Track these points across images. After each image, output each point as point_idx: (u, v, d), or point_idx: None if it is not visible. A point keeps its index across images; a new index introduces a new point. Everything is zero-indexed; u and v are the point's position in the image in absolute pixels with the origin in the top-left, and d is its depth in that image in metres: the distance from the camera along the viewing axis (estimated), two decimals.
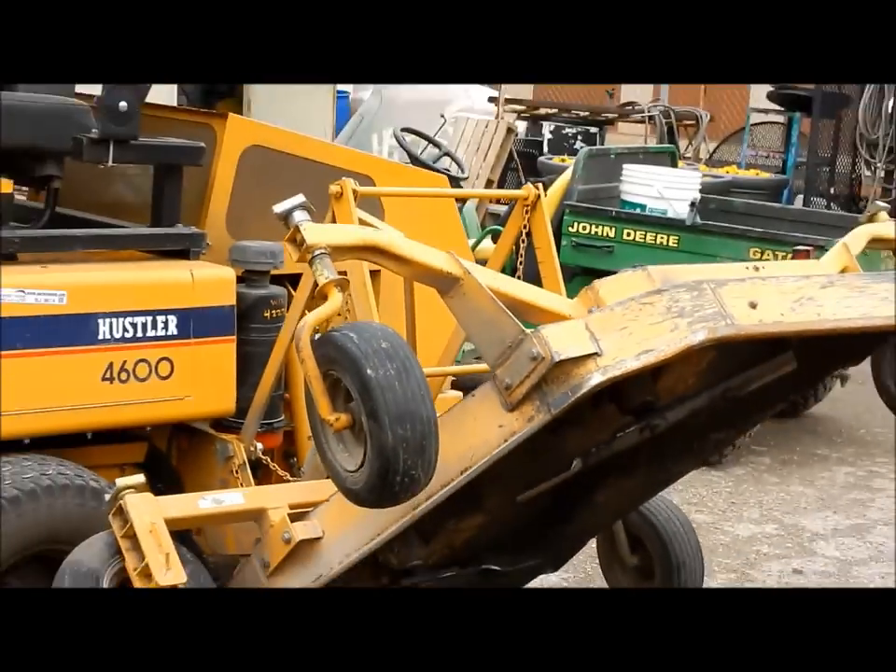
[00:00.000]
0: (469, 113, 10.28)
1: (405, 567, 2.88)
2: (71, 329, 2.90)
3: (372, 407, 2.14)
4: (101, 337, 2.92)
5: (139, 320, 2.97)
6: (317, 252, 2.25)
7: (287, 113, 6.01)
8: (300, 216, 2.31)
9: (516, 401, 2.37)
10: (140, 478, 2.46)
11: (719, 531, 4.90)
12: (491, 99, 10.76)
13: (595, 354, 2.27)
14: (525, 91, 13.95)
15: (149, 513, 2.42)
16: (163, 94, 3.91)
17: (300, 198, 2.33)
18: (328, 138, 6.97)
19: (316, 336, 2.24)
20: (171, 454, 3.22)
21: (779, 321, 2.32)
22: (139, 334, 2.98)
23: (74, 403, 2.87)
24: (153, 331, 3.00)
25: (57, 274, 2.92)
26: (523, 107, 11.28)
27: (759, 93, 12.40)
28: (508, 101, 10.77)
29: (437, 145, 6.47)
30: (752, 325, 2.36)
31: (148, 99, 3.12)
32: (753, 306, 2.32)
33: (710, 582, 3.78)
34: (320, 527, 2.62)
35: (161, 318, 3.00)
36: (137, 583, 2.41)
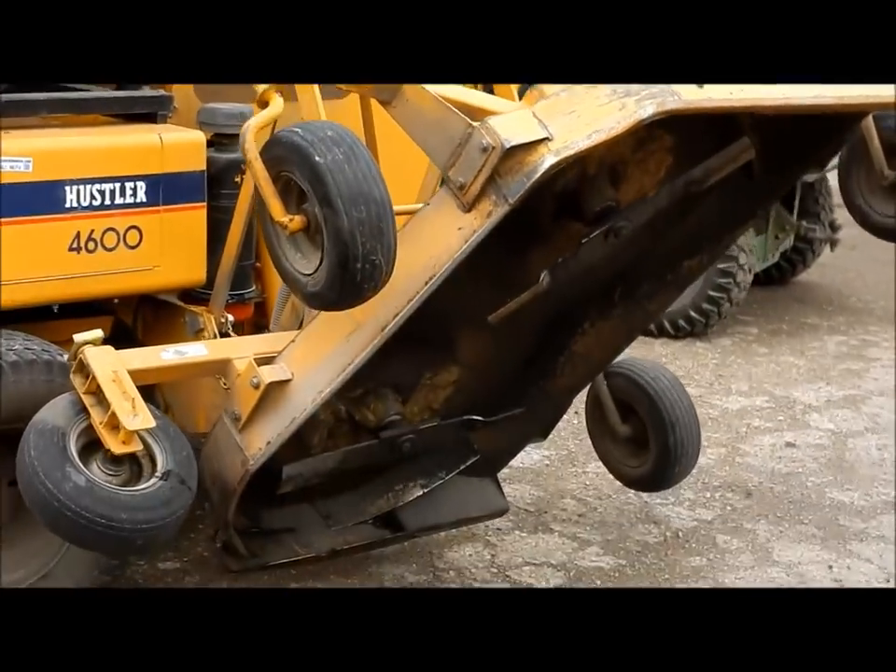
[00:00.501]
0: None
1: (383, 424, 2.95)
2: (37, 198, 2.88)
3: (325, 192, 2.20)
4: (67, 205, 2.90)
5: (107, 187, 2.94)
6: None
7: None
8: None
9: (472, 199, 2.38)
10: (98, 332, 2.43)
11: (707, 405, 4.83)
12: None
13: (546, 139, 2.30)
14: None
15: (111, 363, 2.41)
16: None
17: None
18: None
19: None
20: (137, 327, 3.22)
21: (728, 98, 2.37)
22: (107, 202, 2.96)
23: (40, 275, 2.88)
24: (121, 199, 2.98)
25: (21, 140, 2.89)
26: None
27: None
28: None
29: None
30: (701, 99, 2.38)
31: None
32: (701, 86, 2.36)
33: (701, 459, 3.73)
34: (288, 369, 2.63)
35: (129, 185, 2.98)
36: (106, 438, 2.39)
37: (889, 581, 3.59)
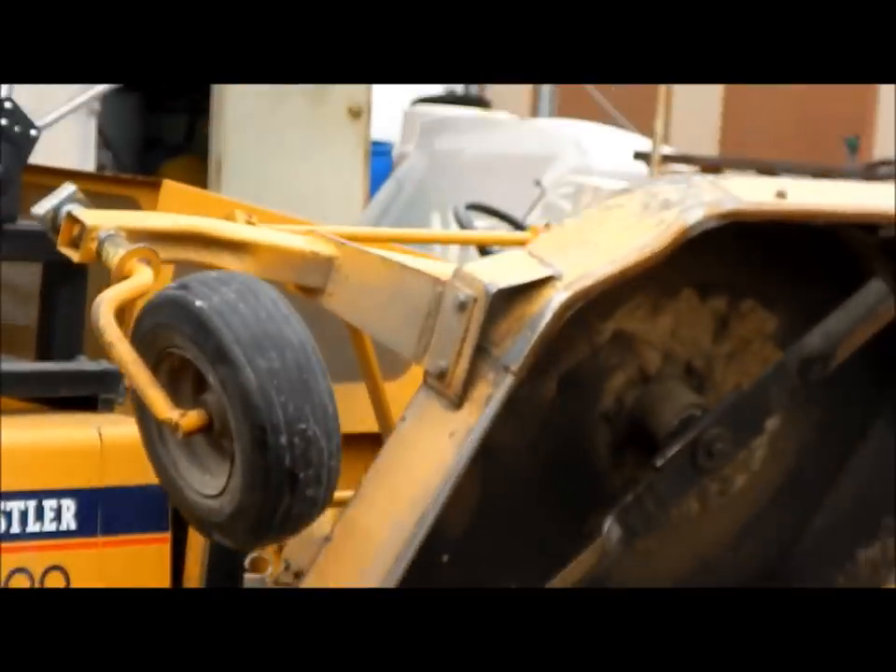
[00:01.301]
0: (589, 177, 7.10)
1: None
2: None
3: (215, 342, 1.76)
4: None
5: (15, 506, 2.25)
6: (104, 234, 1.92)
7: (282, 184, 4.61)
8: (72, 206, 1.99)
9: (460, 386, 1.87)
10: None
11: None
12: (639, 155, 7.35)
13: (552, 277, 1.83)
14: (692, 139, 10.75)
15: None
16: (73, 153, 3.33)
17: (68, 188, 2.04)
18: (356, 212, 5.57)
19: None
20: None
21: (816, 203, 1.94)
22: (15, 529, 2.25)
23: None
24: (37, 525, 2.29)
25: None
26: (696, 167, 7.81)
27: None
28: (669, 158, 7.61)
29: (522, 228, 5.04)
30: (773, 203, 1.92)
31: (48, 159, 2.60)
32: (781, 195, 1.90)
33: None
34: None
35: (51, 504, 2.30)
36: None
37: None
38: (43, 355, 2.42)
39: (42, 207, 1.98)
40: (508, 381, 1.81)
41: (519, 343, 1.81)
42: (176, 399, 1.80)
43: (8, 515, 2.19)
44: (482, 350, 1.84)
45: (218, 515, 1.82)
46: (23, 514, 2.20)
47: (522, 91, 10.79)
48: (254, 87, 5.32)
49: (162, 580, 2.35)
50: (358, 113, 5.00)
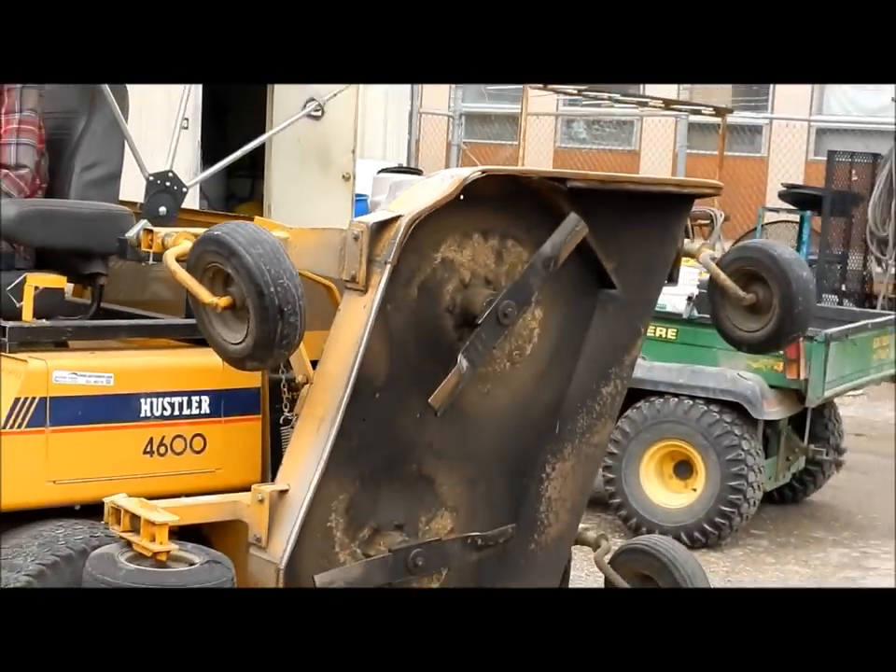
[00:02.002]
0: None
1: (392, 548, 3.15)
2: (117, 407, 3.24)
3: (230, 248, 2.64)
4: (143, 415, 3.27)
5: (177, 399, 3.32)
6: (164, 233, 2.88)
7: (307, 217, 6.40)
8: (145, 226, 3.03)
9: (364, 280, 2.81)
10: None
11: None
12: None
13: (400, 216, 2.76)
14: None
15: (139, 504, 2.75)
16: (191, 202, 4.27)
17: (142, 221, 3.11)
18: None
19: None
20: None
21: (539, 170, 3.11)
22: (176, 412, 3.32)
23: (117, 474, 3.20)
24: (188, 410, 3.34)
25: (105, 359, 3.28)
26: None
27: (772, 194, 12.89)
28: None
29: None
30: (512, 168, 3.12)
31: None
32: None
33: None
34: (284, 482, 2.94)
35: (198, 397, 3.37)
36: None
37: None
38: (188, 315, 3.33)
39: (132, 231, 3.12)
40: (387, 269, 2.76)
41: (389, 248, 2.78)
42: (213, 292, 2.69)
43: (172, 405, 3.26)
44: (370, 259, 2.80)
45: (243, 351, 2.68)
46: (181, 404, 3.28)
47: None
48: (290, 162, 7.39)
49: (256, 440, 3.40)
50: (348, 178, 7.56)
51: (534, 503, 3.49)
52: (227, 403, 3.48)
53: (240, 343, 2.78)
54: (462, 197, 2.89)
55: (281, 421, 3.52)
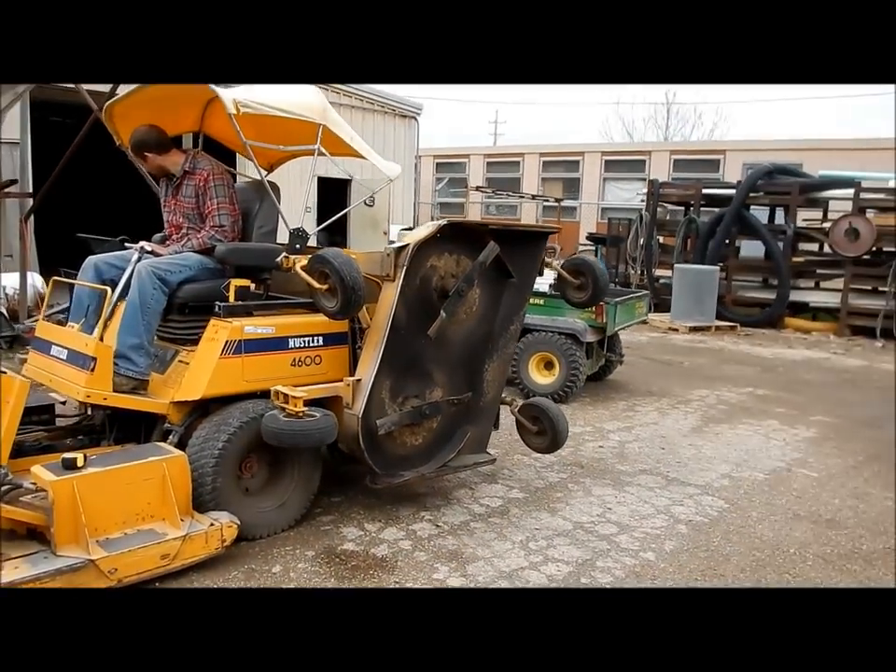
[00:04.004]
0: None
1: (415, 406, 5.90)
2: (277, 343, 5.55)
3: (326, 260, 5.10)
4: (291, 346, 5.63)
5: (307, 338, 5.76)
6: (294, 257, 5.39)
7: (366, 249, 9.67)
8: (284, 255, 5.48)
9: (392, 274, 5.49)
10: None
11: None
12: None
13: (409, 243, 5.45)
14: None
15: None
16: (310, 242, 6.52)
17: (284, 253, 5.50)
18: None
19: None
20: None
21: (477, 221, 6.03)
22: (307, 344, 5.72)
23: (279, 376, 5.52)
24: (313, 343, 5.76)
25: (269, 319, 5.59)
26: None
27: (582, 237, 25.04)
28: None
29: None
30: (469, 221, 6.37)
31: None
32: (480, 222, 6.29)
33: (560, 451, 7.45)
34: (359, 375, 5.64)
35: (317, 337, 5.79)
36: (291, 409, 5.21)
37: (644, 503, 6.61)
38: (309, 297, 5.67)
39: (280, 258, 5.42)
40: (404, 269, 5.50)
41: (405, 259, 5.49)
42: (319, 283, 5.20)
43: (304, 340, 5.67)
44: (396, 265, 5.51)
45: (336, 311, 5.21)
46: (308, 340, 5.71)
47: None
48: (357, 224, 14.57)
49: (344, 357, 5.84)
50: (386, 233, 16.34)
51: (481, 382, 6.28)
52: (330, 339, 5.82)
53: (334, 306, 5.21)
54: (438, 235, 5.52)
55: (356, 348, 5.96)
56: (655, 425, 9.20)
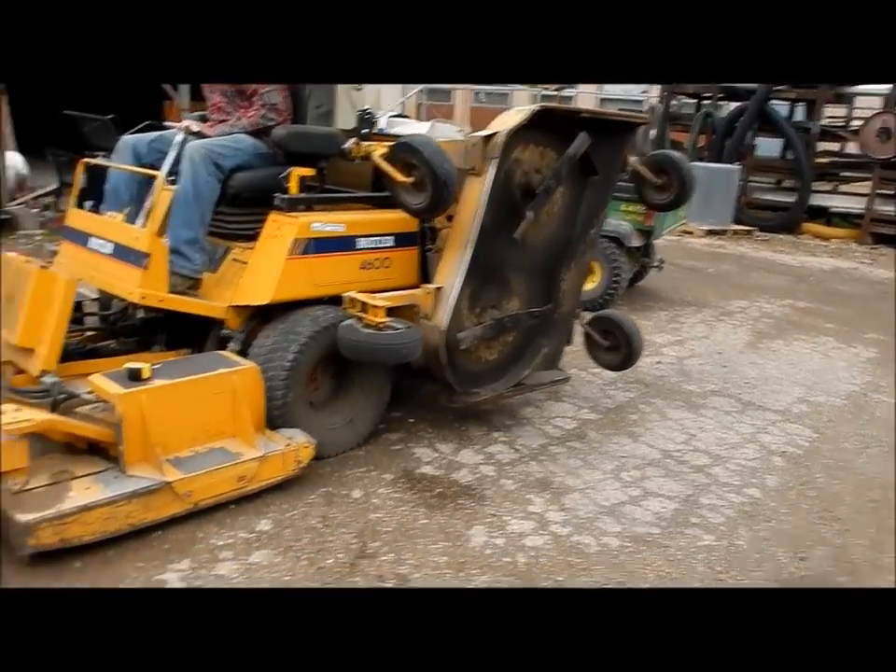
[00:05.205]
0: None
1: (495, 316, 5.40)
2: (346, 243, 5.02)
3: (415, 148, 4.59)
4: (360, 247, 5.10)
5: (376, 239, 5.22)
6: (366, 144, 4.94)
7: None
8: (354, 141, 5.03)
9: (480, 169, 4.89)
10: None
11: None
12: None
13: (497, 132, 4.86)
14: None
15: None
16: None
17: (350, 139, 5.05)
18: None
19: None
20: None
21: (569, 107, 5.75)
22: (376, 245, 5.18)
23: (345, 280, 5.00)
24: (382, 244, 5.22)
25: (339, 215, 5.04)
26: None
27: None
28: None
29: None
30: (559, 106, 5.38)
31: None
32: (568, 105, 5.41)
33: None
34: (440, 282, 5.08)
35: (386, 237, 5.28)
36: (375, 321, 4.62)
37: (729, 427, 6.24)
38: (374, 190, 5.36)
39: (348, 143, 4.93)
40: (495, 162, 4.84)
41: (495, 150, 4.82)
42: (406, 174, 4.66)
43: (374, 241, 5.14)
44: (484, 157, 4.83)
45: (423, 209, 4.74)
46: (378, 240, 5.17)
47: None
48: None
49: (414, 260, 5.30)
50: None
51: (557, 292, 5.76)
52: (400, 240, 5.29)
53: (420, 204, 4.73)
54: (527, 123, 4.91)
55: (426, 251, 5.47)
56: (707, 339, 8.73)
